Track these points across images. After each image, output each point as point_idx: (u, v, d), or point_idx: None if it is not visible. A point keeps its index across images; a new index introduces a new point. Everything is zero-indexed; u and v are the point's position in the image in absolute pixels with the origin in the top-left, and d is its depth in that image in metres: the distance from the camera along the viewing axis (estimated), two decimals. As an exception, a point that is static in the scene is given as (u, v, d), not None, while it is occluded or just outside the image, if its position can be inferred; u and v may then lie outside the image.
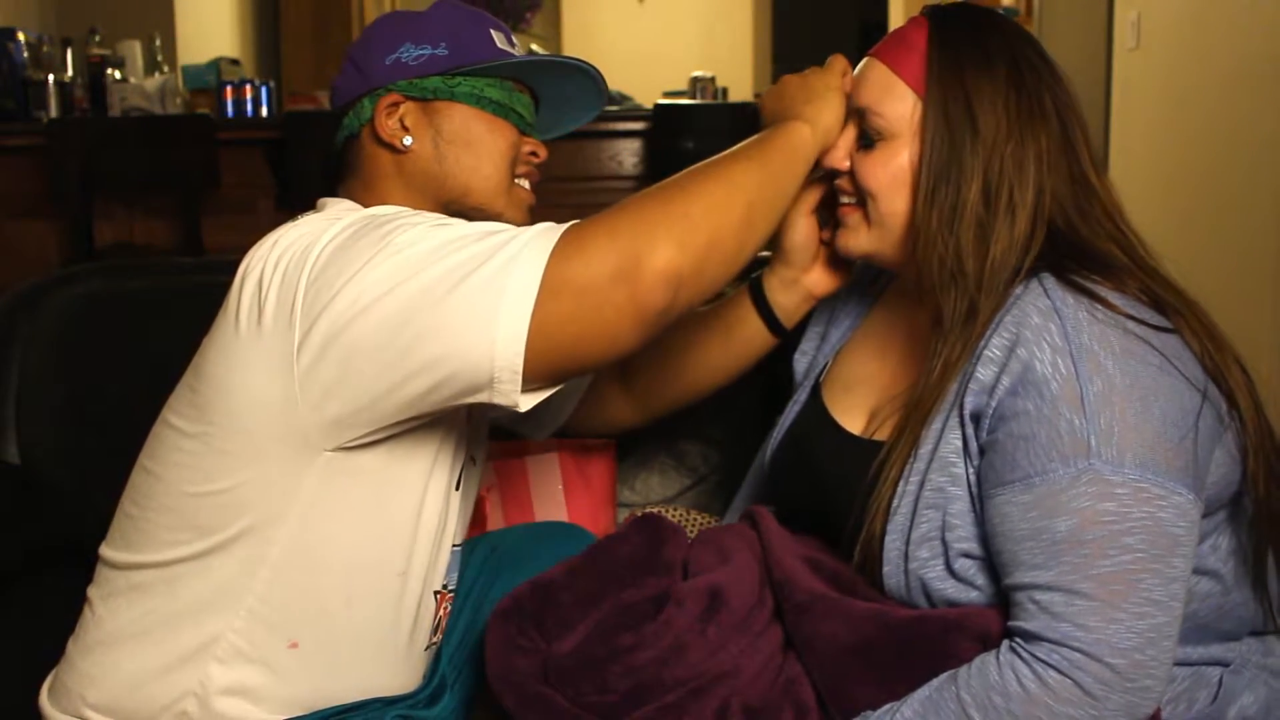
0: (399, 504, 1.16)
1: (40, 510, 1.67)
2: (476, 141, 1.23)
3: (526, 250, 1.01)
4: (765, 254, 1.42)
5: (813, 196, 1.32)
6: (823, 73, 1.25)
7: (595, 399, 1.50)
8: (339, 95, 1.28)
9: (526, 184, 1.29)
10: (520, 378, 1.02)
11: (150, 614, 1.15)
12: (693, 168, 1.11)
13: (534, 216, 1.17)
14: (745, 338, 1.41)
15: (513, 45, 1.28)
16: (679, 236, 1.02)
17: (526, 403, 1.04)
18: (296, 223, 1.15)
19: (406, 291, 1.02)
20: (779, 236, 1.34)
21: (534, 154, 1.29)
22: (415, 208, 1.20)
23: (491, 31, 1.26)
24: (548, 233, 1.04)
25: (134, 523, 1.17)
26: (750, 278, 1.41)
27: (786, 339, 1.42)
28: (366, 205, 1.22)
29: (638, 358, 1.44)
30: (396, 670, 1.22)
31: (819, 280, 1.37)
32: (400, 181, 1.24)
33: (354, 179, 1.26)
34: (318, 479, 1.10)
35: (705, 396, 1.48)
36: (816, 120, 1.20)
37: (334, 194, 1.27)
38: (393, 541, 1.17)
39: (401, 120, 1.23)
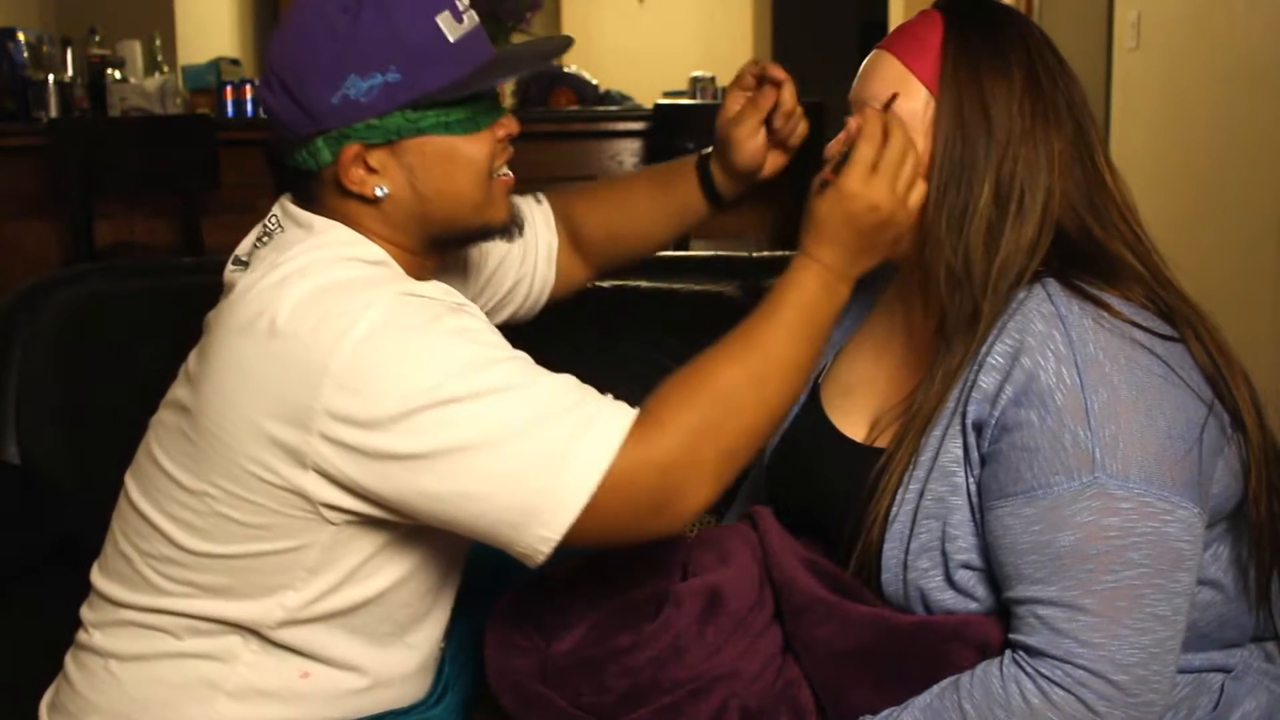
0: (413, 556, 1.15)
1: (40, 510, 1.67)
2: (452, 163, 1.13)
3: (581, 462, 1.02)
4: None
5: (758, 114, 1.31)
6: (894, 208, 1.11)
7: (557, 270, 1.49)
8: (276, 120, 1.12)
9: (505, 169, 1.21)
10: (542, 555, 1.04)
11: (152, 649, 1.13)
12: (752, 363, 1.07)
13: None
14: (683, 195, 1.41)
15: (460, 21, 1.11)
16: (721, 474, 1.05)
17: (540, 559, 1.06)
18: (290, 260, 1.09)
19: (468, 462, 1.02)
20: (729, 152, 1.34)
21: (507, 134, 1.19)
22: (399, 243, 1.15)
23: (437, 21, 1.09)
24: (608, 441, 1.02)
25: (131, 564, 1.14)
26: (700, 155, 1.41)
27: (722, 208, 1.43)
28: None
29: (586, 223, 1.45)
30: (410, 685, 1.22)
31: (763, 170, 1.37)
32: (380, 223, 1.14)
33: (324, 215, 1.14)
34: (326, 546, 1.10)
35: (651, 252, 1.49)
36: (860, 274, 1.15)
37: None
38: (408, 587, 1.17)
39: (367, 163, 1.11)
